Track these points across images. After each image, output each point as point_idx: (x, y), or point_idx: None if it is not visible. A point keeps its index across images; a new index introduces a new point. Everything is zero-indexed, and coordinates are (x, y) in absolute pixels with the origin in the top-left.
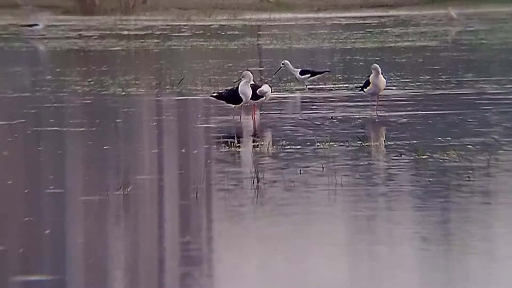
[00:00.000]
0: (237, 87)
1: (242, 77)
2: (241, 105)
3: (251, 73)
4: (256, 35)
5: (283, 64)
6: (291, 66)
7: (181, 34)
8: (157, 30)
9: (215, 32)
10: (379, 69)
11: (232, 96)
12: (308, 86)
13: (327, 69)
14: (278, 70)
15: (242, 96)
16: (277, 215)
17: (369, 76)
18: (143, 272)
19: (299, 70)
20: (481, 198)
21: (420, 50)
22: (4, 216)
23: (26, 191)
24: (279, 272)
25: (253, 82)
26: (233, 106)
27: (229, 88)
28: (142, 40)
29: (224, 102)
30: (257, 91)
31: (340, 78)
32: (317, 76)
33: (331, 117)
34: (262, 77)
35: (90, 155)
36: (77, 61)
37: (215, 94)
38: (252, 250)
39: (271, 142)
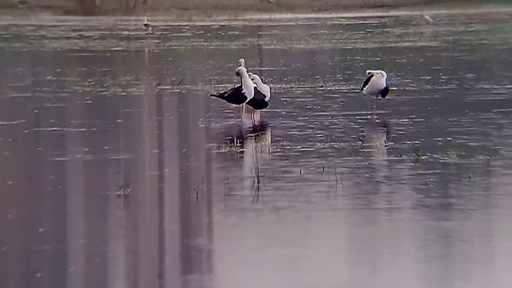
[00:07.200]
0: (240, 86)
1: (237, 74)
2: (243, 105)
3: (243, 65)
4: (257, 35)
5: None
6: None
7: (182, 34)
8: (158, 30)
9: (215, 32)
10: (384, 74)
11: (235, 95)
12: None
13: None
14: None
15: (246, 93)
16: (277, 215)
17: (369, 75)
18: (144, 271)
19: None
20: (482, 198)
21: (420, 50)
22: (3, 216)
23: (25, 190)
24: (279, 272)
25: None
26: (235, 105)
27: (229, 88)
28: (143, 40)
29: (226, 101)
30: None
31: (340, 78)
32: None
33: (332, 117)
34: (262, 77)
35: (91, 155)
36: (77, 61)
37: (216, 93)
38: (252, 250)
39: (271, 142)
